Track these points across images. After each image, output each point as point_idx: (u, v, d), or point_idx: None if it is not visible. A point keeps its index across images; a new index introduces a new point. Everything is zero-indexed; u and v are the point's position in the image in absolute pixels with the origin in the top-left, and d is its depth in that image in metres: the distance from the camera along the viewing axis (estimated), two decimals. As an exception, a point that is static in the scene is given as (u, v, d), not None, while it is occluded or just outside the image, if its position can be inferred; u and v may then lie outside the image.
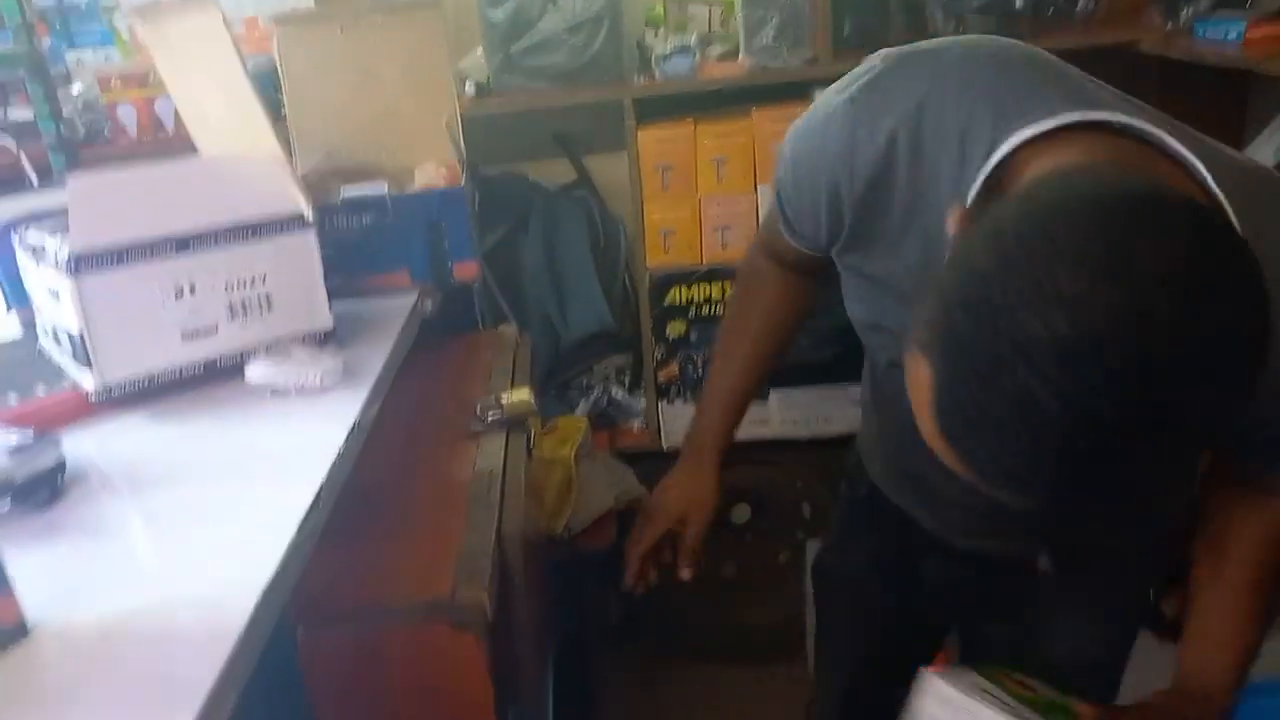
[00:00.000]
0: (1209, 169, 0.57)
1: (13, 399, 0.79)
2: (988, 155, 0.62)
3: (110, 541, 0.61)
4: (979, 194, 0.62)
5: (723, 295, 1.69)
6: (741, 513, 1.98)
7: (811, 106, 0.77)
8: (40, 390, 0.80)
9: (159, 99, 1.70)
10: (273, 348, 0.82)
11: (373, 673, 0.82)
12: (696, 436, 1.06)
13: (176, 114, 1.39)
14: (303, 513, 0.60)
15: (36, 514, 0.64)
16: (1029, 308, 0.44)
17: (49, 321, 0.81)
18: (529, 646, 0.99)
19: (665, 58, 1.63)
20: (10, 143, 1.34)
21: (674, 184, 1.67)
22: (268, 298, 0.81)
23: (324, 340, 0.85)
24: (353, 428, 0.72)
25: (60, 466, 0.66)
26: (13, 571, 0.50)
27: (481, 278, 1.35)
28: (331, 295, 0.88)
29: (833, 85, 0.74)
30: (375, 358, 0.86)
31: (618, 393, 1.89)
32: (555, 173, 1.85)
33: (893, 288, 0.75)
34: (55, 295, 0.75)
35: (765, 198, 1.70)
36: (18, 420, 0.72)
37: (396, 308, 0.99)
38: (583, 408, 1.83)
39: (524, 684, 1.01)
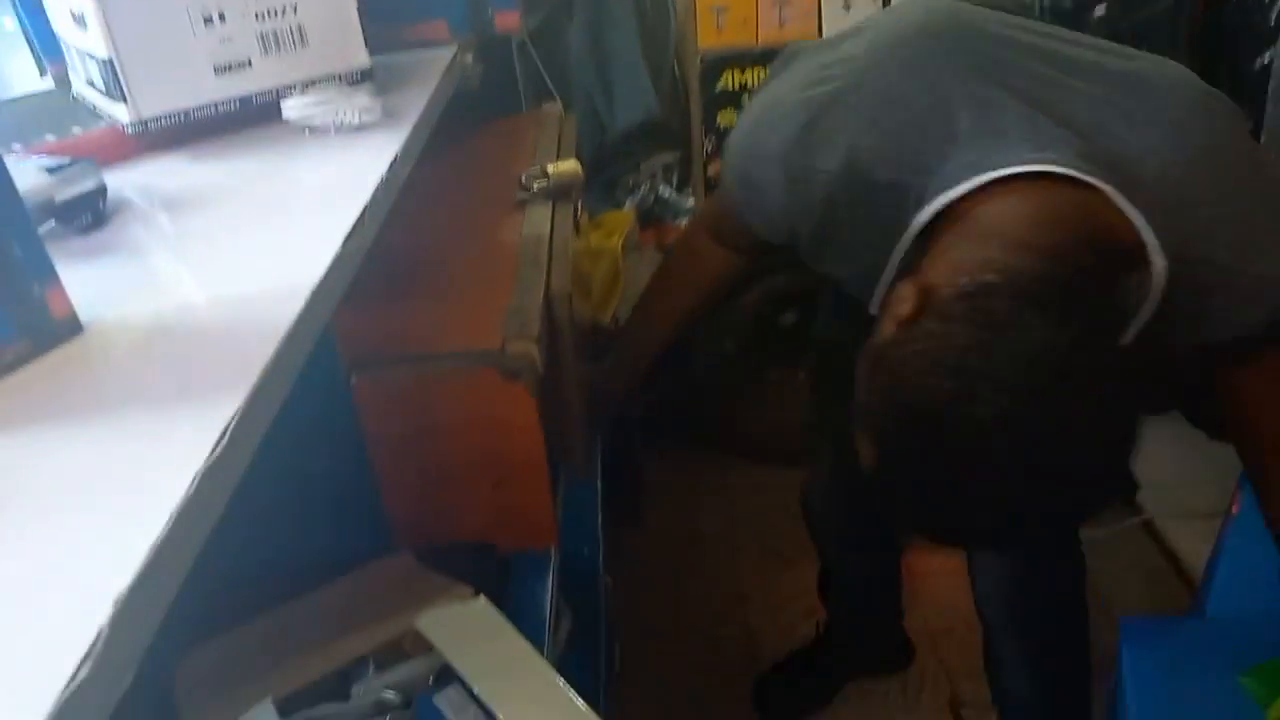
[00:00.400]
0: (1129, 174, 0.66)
1: (50, 138, 0.77)
2: (916, 205, 0.71)
3: (156, 256, 0.60)
4: (914, 244, 0.72)
5: (779, 79, 1.59)
6: (789, 317, 1.96)
7: (745, 136, 0.84)
8: (76, 131, 0.78)
9: None
10: (309, 86, 0.78)
11: (425, 417, 0.84)
12: (612, 377, 1.14)
13: None
14: (348, 228, 0.58)
15: (81, 237, 0.63)
16: (960, 455, 0.60)
17: (78, 55, 0.77)
18: (577, 409, 1.00)
19: None
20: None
21: (729, -46, 1.54)
22: (300, 30, 0.76)
23: (360, 79, 0.81)
24: (394, 159, 0.69)
25: (101, 190, 0.65)
26: (63, 280, 0.49)
27: (523, 41, 1.27)
28: (367, 42, 0.83)
29: (758, 114, 0.82)
30: (415, 101, 0.82)
31: (665, 191, 1.84)
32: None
33: (849, 281, 0.86)
34: (81, 21, 0.71)
35: (828, -31, 1.56)
36: (55, 153, 0.71)
37: (435, 58, 0.94)
38: (629, 206, 1.78)
39: (573, 446, 1.03)
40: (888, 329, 0.64)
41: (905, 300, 0.64)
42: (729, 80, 1.60)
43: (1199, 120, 0.71)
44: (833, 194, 0.76)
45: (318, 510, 0.91)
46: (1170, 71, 0.75)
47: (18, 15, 0.98)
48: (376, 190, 0.65)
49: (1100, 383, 0.60)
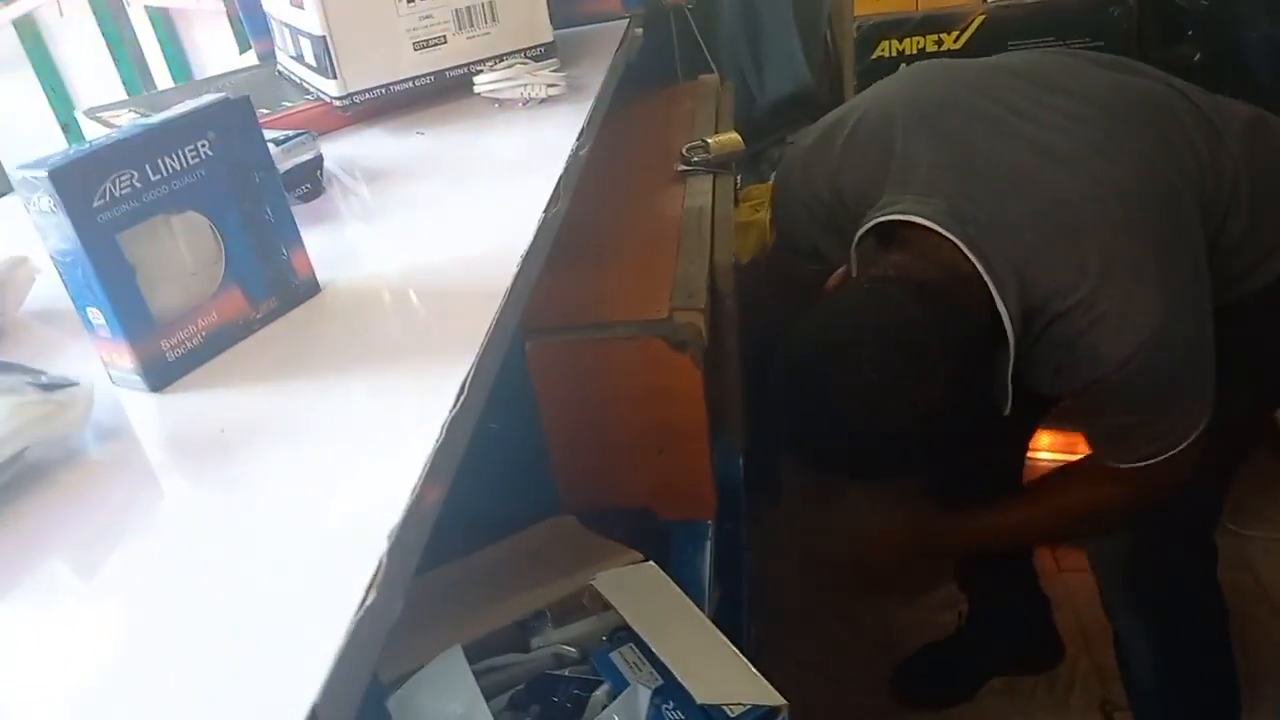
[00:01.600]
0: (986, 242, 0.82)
1: (264, 112, 0.83)
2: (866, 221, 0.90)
3: (377, 222, 0.64)
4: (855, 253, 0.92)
5: (939, 48, 1.52)
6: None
7: (780, 182, 1.12)
8: (286, 105, 0.84)
9: None
10: (497, 61, 0.81)
11: (594, 384, 0.86)
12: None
13: None
14: (547, 198, 0.61)
15: (303, 204, 0.68)
16: (814, 377, 0.85)
17: (291, 33, 0.83)
18: (735, 379, 1.01)
19: None
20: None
21: (891, -82, 1.48)
22: (491, 7, 0.79)
23: (544, 54, 0.83)
24: (582, 130, 0.71)
25: (318, 160, 0.69)
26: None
27: (683, 11, 1.28)
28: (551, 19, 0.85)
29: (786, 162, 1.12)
30: (594, 74, 0.84)
31: (811, 165, 1.80)
32: (754, -86, 1.68)
33: None
34: (298, 1, 0.76)
35: (997, -68, 1.48)
36: (269, 127, 0.76)
37: (608, 31, 0.95)
38: (774, 178, 1.76)
39: (731, 418, 1.04)
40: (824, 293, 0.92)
41: (834, 280, 0.92)
42: (886, 49, 1.55)
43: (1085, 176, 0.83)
44: (824, 217, 0.98)
45: (490, 470, 0.95)
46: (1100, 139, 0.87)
47: (230, -3, 1.06)
48: (568, 161, 0.67)
49: (927, 374, 0.79)
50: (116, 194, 0.44)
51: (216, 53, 1.42)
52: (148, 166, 0.45)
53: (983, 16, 1.49)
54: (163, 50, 1.65)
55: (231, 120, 0.49)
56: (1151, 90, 0.93)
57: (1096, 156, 0.85)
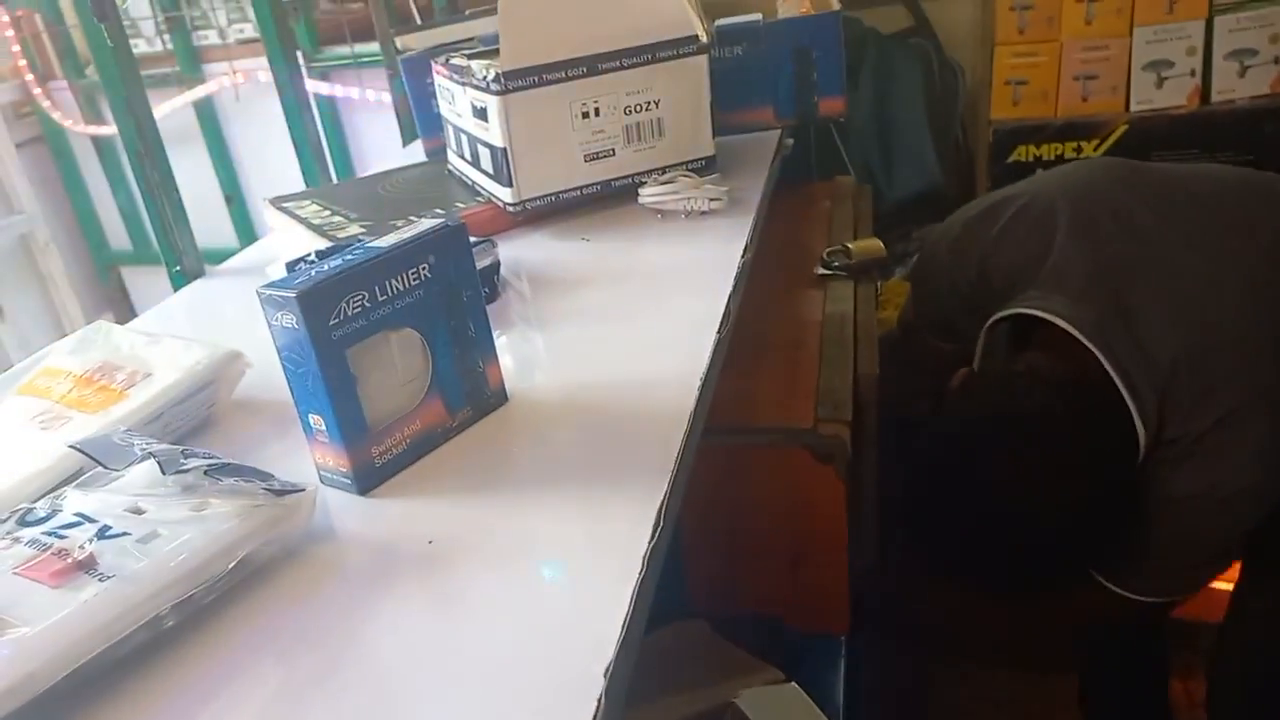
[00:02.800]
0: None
1: (438, 212, 0.88)
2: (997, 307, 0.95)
3: (553, 330, 0.67)
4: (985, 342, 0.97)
5: (1078, 154, 1.51)
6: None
7: (925, 258, 1.12)
8: (459, 206, 0.89)
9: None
10: (661, 172, 0.84)
11: (734, 488, 0.86)
12: None
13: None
14: (719, 317, 0.62)
15: (479, 307, 0.72)
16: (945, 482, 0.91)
17: (468, 139, 0.88)
18: (873, 492, 0.99)
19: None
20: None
21: (1032, 26, 1.49)
22: (659, 122, 0.83)
23: (705, 168, 0.86)
24: (745, 247, 0.73)
25: (496, 266, 0.73)
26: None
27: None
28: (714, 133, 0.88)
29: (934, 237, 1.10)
30: (752, 187, 0.86)
31: (935, 262, 1.79)
32: (891, 18, 1.72)
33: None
34: (481, 113, 0.81)
35: (1141, 42, 1.47)
36: (450, 228, 0.81)
37: (762, 142, 0.98)
38: (899, 275, 1.75)
39: (867, 532, 1.02)
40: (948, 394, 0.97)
41: (957, 379, 0.98)
42: (1023, 154, 1.54)
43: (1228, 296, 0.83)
44: (966, 294, 0.99)
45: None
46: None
47: (402, 92, 1.14)
48: (736, 280, 0.68)
49: (1051, 471, 0.81)
50: (349, 313, 0.48)
51: (376, 140, 1.53)
52: (377, 288, 0.49)
53: (1125, 126, 1.47)
54: (326, 136, 1.79)
55: (449, 245, 0.52)
56: None
57: (1253, 301, 0.83)
